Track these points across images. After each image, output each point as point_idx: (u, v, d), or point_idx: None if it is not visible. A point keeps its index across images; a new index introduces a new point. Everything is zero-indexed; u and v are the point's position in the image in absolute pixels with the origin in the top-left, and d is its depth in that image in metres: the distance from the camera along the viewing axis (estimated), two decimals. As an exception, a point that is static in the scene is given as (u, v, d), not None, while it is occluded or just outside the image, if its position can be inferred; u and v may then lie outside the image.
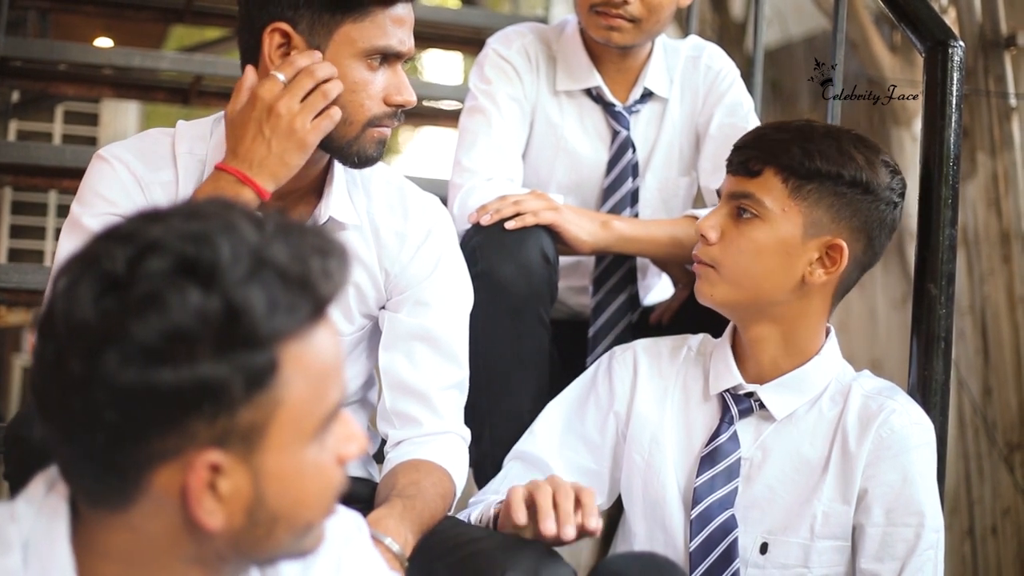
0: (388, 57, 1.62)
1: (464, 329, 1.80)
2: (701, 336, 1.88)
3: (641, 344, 1.88)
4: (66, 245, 1.61)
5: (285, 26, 1.58)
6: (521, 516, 1.47)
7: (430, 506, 1.62)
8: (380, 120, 1.63)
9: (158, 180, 1.65)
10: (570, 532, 1.44)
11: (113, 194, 1.62)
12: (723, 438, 1.75)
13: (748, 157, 1.73)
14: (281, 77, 1.57)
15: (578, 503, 1.47)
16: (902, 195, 1.75)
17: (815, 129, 1.74)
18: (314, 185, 1.70)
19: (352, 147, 1.63)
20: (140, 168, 1.64)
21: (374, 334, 1.81)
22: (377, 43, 1.60)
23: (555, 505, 1.46)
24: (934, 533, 1.69)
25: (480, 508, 1.71)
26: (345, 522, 1.15)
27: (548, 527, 1.45)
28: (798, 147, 1.70)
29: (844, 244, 1.69)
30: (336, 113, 1.59)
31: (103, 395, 0.89)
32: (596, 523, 1.46)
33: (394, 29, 1.61)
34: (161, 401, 0.89)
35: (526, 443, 1.87)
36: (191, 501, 0.93)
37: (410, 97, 1.64)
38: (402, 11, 1.62)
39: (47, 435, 0.95)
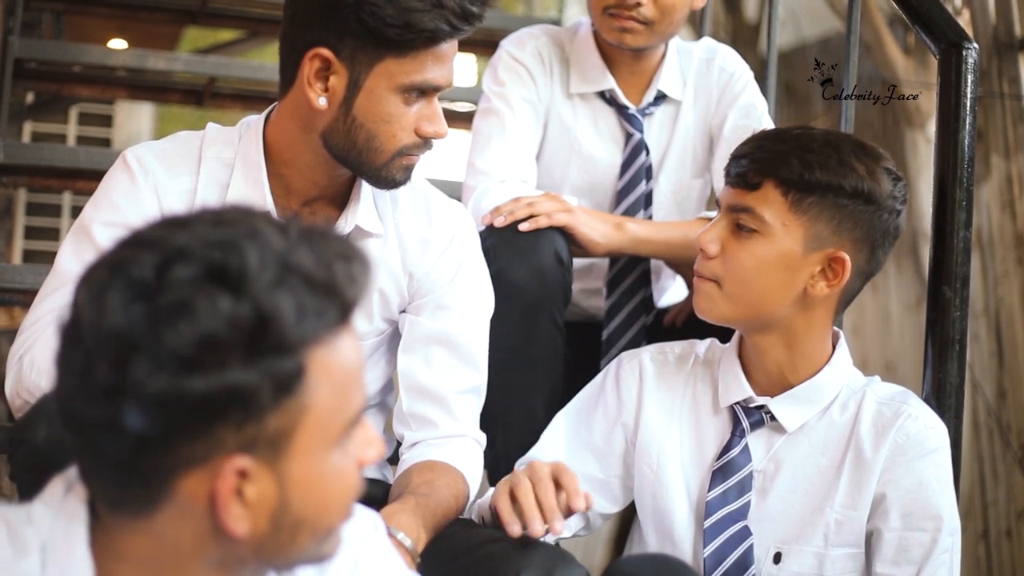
0: (426, 91, 1.63)
1: (484, 334, 1.80)
2: (708, 342, 1.84)
3: (648, 352, 1.85)
4: (68, 250, 1.63)
5: (327, 52, 1.58)
6: (516, 528, 1.49)
7: (444, 505, 1.62)
8: (410, 150, 1.65)
9: (175, 189, 1.66)
10: (558, 527, 1.48)
11: (124, 203, 1.63)
12: (735, 451, 1.73)
13: (746, 169, 1.68)
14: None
15: (559, 486, 1.50)
16: (904, 201, 1.71)
17: (814, 138, 1.69)
18: (340, 192, 1.71)
19: (381, 172, 1.65)
20: (161, 174, 1.65)
21: (393, 339, 1.81)
22: (415, 79, 1.60)
23: (538, 502, 1.49)
24: (950, 537, 1.68)
25: (476, 508, 1.71)
26: (363, 521, 1.15)
27: (536, 529, 1.47)
28: (797, 159, 1.65)
29: (846, 256, 1.66)
30: None
31: (132, 403, 0.89)
32: (581, 503, 1.49)
33: (434, 66, 1.61)
34: (190, 408, 0.89)
35: (534, 452, 1.86)
36: (219, 507, 0.93)
37: (441, 129, 1.65)
38: (446, 48, 1.62)
39: (72, 443, 0.95)
